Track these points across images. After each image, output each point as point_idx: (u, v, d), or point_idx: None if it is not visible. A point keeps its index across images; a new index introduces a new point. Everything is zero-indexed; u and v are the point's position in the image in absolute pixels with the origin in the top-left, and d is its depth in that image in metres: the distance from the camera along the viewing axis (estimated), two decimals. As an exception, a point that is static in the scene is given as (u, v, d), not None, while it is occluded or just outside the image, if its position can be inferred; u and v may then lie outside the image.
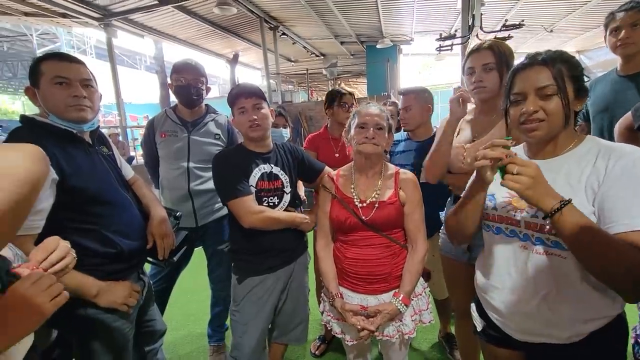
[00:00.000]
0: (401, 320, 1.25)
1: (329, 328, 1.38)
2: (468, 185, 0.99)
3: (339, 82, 11.42)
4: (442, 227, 1.57)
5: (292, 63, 10.97)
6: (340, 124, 1.99)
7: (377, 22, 7.42)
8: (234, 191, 1.33)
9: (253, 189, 1.37)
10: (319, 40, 8.70)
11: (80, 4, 5.36)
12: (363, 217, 1.26)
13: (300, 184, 1.71)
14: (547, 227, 0.84)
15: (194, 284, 2.68)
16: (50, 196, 0.99)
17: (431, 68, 21.02)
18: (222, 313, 2.04)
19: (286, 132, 2.04)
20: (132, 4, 5.62)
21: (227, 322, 2.07)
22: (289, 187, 1.45)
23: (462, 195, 1.01)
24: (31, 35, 10.27)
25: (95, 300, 1.08)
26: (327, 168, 1.56)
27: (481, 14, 4.04)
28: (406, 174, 1.33)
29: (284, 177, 1.44)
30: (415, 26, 7.68)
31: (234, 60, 8.34)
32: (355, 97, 2.06)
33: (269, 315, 1.46)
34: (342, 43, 9.00)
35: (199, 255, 1.96)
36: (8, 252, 0.75)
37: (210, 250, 1.94)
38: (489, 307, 1.02)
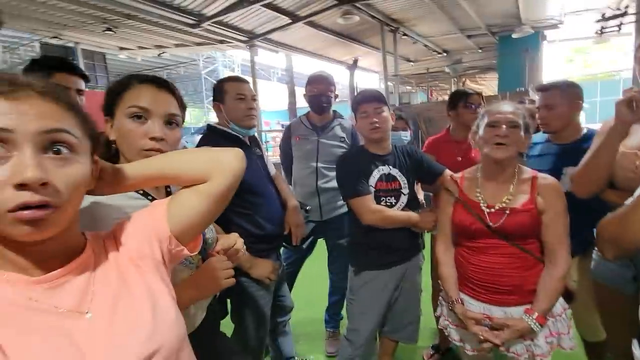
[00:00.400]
0: (532, 340, 1.14)
1: (446, 334, 1.35)
2: None
3: (464, 79, 10.50)
4: (594, 249, 1.32)
5: (412, 63, 10.68)
6: (465, 126, 1.88)
7: (514, 8, 6.54)
8: (355, 190, 1.44)
9: (372, 189, 1.46)
10: (441, 37, 8.22)
11: (233, 32, 6.53)
12: (490, 224, 1.18)
13: (419, 187, 1.71)
14: None
15: (315, 272, 2.95)
16: None
17: (586, 54, 17.13)
18: (339, 302, 2.20)
19: (405, 135, 2.07)
20: (271, 25, 6.52)
21: (342, 312, 2.22)
22: (406, 188, 1.50)
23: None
24: (198, 59, 13.04)
25: (249, 272, 1.35)
26: (447, 171, 1.52)
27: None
28: (547, 179, 1.18)
29: (402, 179, 1.49)
30: (566, 6, 6.43)
31: (353, 66, 8.69)
32: (483, 96, 1.91)
33: (382, 309, 1.55)
34: (468, 37, 8.27)
35: (321, 246, 2.17)
36: (210, 233, 1.03)
37: (331, 243, 2.12)
38: None
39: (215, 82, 1.57)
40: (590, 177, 1.19)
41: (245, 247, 1.08)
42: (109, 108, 0.82)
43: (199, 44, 7.23)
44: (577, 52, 17.43)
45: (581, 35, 8.44)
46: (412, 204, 1.58)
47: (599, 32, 3.72)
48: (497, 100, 1.31)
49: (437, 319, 1.43)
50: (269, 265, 1.41)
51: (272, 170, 1.68)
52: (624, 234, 0.81)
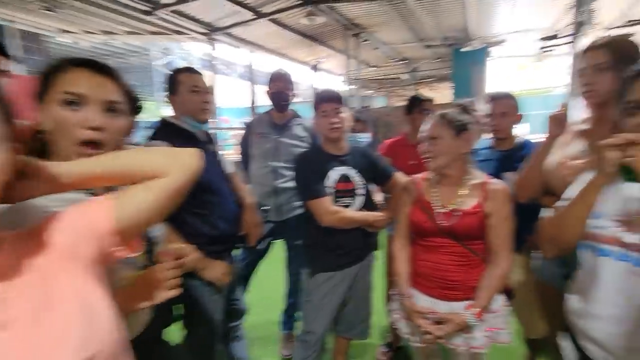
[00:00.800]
0: (471, 333, 1.22)
1: (395, 328, 1.42)
2: (582, 183, 0.88)
3: (421, 87, 11.02)
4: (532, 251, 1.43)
5: (373, 68, 10.97)
6: (418, 129, 1.96)
7: (465, 24, 6.99)
8: (313, 192, 1.44)
9: (329, 190, 1.46)
10: (401, 44, 8.54)
11: (192, 23, 6.23)
12: (441, 224, 1.25)
13: (377, 189, 1.75)
14: None
15: (271, 273, 2.89)
16: None
17: (527, 70, 18.85)
18: (295, 303, 2.18)
19: (363, 137, 2.10)
20: (232, 19, 6.32)
21: (298, 314, 2.20)
22: (361, 189, 1.52)
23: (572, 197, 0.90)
24: (151, 50, 12.31)
25: (201, 273, 1.28)
26: (398, 174, 1.58)
27: (595, 10, 3.52)
28: (496, 184, 1.25)
29: (358, 179, 1.51)
30: (510, 25, 7.01)
31: (316, 67, 8.74)
32: (433, 102, 2.00)
33: (335, 309, 1.57)
34: (426, 47, 8.69)
35: (278, 247, 2.13)
36: (158, 232, 0.97)
37: (289, 244, 2.09)
38: (585, 338, 0.90)
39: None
40: (527, 182, 1.31)
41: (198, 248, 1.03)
42: (41, 94, 0.73)
43: (153, 33, 6.80)
44: (519, 69, 19.09)
45: (523, 53, 9.24)
46: (368, 204, 1.61)
47: (539, 51, 4.09)
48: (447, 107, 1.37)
49: (391, 312, 1.47)
50: (223, 266, 1.36)
51: (229, 167, 1.61)
52: (560, 234, 0.90)
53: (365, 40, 7.72)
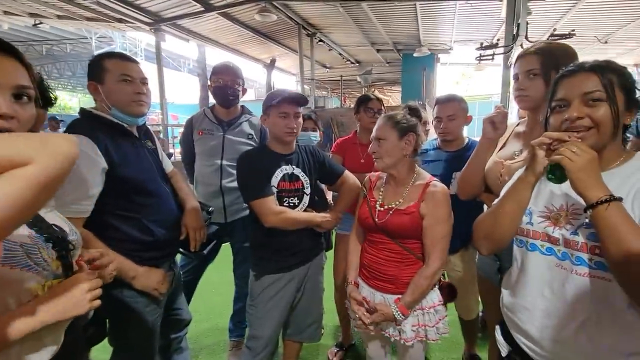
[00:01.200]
0: (400, 326, 1.27)
1: (348, 311, 1.44)
2: (514, 181, 0.92)
3: (373, 89, 11.37)
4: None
5: (327, 69, 11.09)
6: (366, 129, 1.97)
7: (415, 31, 7.34)
8: (257, 191, 1.37)
9: (275, 189, 1.41)
10: (355, 47, 8.74)
11: (134, 10, 5.78)
12: (376, 220, 1.30)
13: (326, 188, 1.73)
14: (587, 219, 0.77)
15: (219, 278, 2.75)
16: (100, 183, 1.08)
17: (470, 78, 20.39)
18: (244, 309, 2.08)
19: (315, 136, 2.06)
20: (180, 10, 5.98)
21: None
22: (308, 188, 1.49)
23: (503, 195, 0.94)
24: (90, 38, 11.19)
25: (132, 283, 1.15)
26: (347, 172, 1.58)
27: (527, 23, 3.87)
28: (436, 186, 1.27)
29: (305, 179, 1.48)
30: (455, 35, 7.51)
31: (271, 65, 8.60)
32: (384, 104, 2.02)
33: (284, 312, 1.51)
34: (378, 51, 8.99)
35: (226, 250, 2.02)
36: (64, 224, 0.83)
37: (236, 247, 1.99)
38: (517, 330, 0.94)
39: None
40: (466, 181, 1.37)
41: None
42: None
43: (90, 19, 6.19)
44: (462, 76, 20.61)
45: (465, 62, 9.96)
46: (318, 203, 1.58)
47: (478, 59, 4.41)
48: (397, 109, 1.40)
49: (347, 312, 1.49)
50: (158, 274, 1.22)
51: (169, 167, 1.48)
52: (493, 231, 0.93)
53: (320, 41, 7.78)
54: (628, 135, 0.82)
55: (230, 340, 2.15)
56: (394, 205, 1.29)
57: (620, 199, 0.70)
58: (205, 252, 1.51)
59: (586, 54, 8.00)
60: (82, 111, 1.19)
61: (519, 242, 0.94)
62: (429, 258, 1.25)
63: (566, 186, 0.82)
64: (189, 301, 1.90)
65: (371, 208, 1.34)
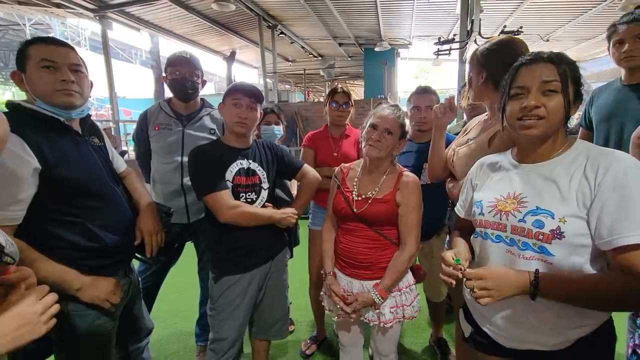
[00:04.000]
0: (380, 309, 1.32)
1: (322, 303, 1.47)
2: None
3: (336, 83, 11.41)
4: (444, 231, 1.57)
5: (290, 63, 10.95)
6: (332, 122, 1.96)
7: (375, 25, 7.44)
8: (210, 186, 1.31)
9: (230, 184, 1.35)
10: (317, 41, 8.69)
11: (75, -6, 5.27)
12: (354, 210, 1.34)
13: (294, 182, 1.69)
14: (533, 207, 0.84)
15: (183, 281, 2.62)
16: (31, 186, 0.95)
17: (428, 73, 21.17)
18: (210, 312, 2.00)
19: (279, 130, 2.00)
20: (129, -4, 5.55)
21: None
22: (266, 183, 1.45)
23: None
24: (24, 24, 10.07)
25: (77, 295, 1.03)
26: (306, 166, 1.57)
27: (480, 20, 4.06)
28: (408, 177, 1.34)
29: (262, 173, 1.43)
30: (413, 30, 7.72)
31: (231, 58, 8.29)
32: (352, 97, 2.00)
33: (247, 312, 1.47)
34: (340, 45, 9.01)
35: (189, 251, 1.91)
36: (10, 247, 0.73)
37: (201, 247, 1.90)
38: (476, 313, 1.00)
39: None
40: (432, 166, 1.44)
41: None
42: None
43: (21, 3, 5.55)
44: (421, 71, 21.34)
45: (424, 57, 10.30)
46: (280, 199, 1.54)
47: (436, 54, 4.56)
48: (387, 102, 1.45)
49: (321, 307, 1.52)
50: (109, 284, 1.11)
51: (122, 166, 1.35)
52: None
53: (282, 34, 7.63)
54: (567, 126, 0.87)
55: (197, 345, 2.05)
56: (370, 195, 1.33)
57: (536, 272, 0.79)
58: (163, 258, 1.40)
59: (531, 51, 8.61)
60: (10, 104, 1.03)
61: (476, 233, 0.99)
62: (405, 243, 1.32)
63: (512, 177, 0.91)
64: (150, 308, 1.78)
65: (347, 198, 1.36)
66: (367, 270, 1.33)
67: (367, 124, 1.35)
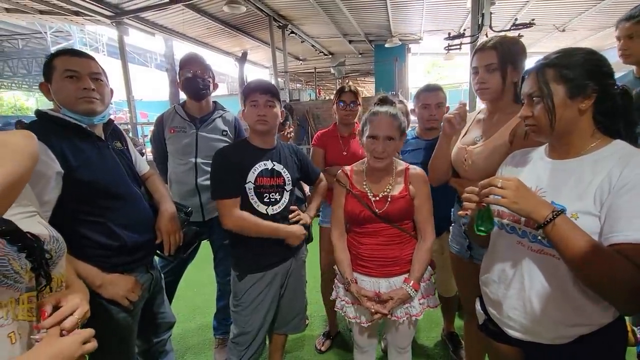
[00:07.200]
0: (410, 304, 1.33)
1: (342, 313, 1.44)
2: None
3: (347, 80, 11.39)
4: (451, 226, 1.58)
5: (300, 62, 10.99)
6: (340, 121, 1.98)
7: (385, 21, 7.39)
8: (220, 192, 1.38)
9: (252, 185, 1.39)
10: (327, 39, 8.70)
11: (92, 2, 5.45)
12: (376, 210, 1.33)
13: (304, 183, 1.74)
14: (539, 236, 0.84)
15: (200, 277, 2.72)
16: (55, 189, 1.01)
17: (440, 68, 20.81)
18: (227, 306, 2.07)
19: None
20: (143, 2, 5.71)
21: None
22: (290, 184, 1.48)
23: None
24: (45, 33, 10.47)
25: (98, 291, 1.10)
26: (322, 175, 1.66)
27: (491, 13, 4.00)
28: (415, 169, 1.39)
29: (286, 175, 1.47)
30: (424, 25, 7.62)
31: (242, 59, 8.38)
32: (360, 95, 2.01)
33: (269, 308, 1.51)
34: (350, 42, 8.98)
35: (205, 248, 1.99)
36: (44, 230, 0.76)
37: (216, 245, 1.97)
38: (488, 301, 1.03)
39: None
40: (435, 169, 1.45)
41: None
42: None
43: (43, 12, 5.79)
44: (433, 66, 21.00)
45: (435, 51, 10.15)
46: (298, 199, 1.59)
47: (447, 49, 4.52)
48: (376, 101, 1.42)
49: (333, 302, 1.50)
50: (128, 282, 1.17)
51: (144, 168, 1.43)
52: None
53: (292, 33, 7.67)
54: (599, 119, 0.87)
55: (215, 338, 2.14)
56: (386, 193, 1.35)
57: (562, 212, 0.76)
58: (184, 255, 1.47)
59: (547, 43, 8.39)
60: (38, 113, 1.12)
61: (496, 223, 1.00)
62: (424, 233, 1.36)
63: (539, 171, 0.91)
64: (170, 302, 1.86)
65: (363, 200, 1.35)
66: (395, 266, 1.34)
67: (366, 135, 1.33)
